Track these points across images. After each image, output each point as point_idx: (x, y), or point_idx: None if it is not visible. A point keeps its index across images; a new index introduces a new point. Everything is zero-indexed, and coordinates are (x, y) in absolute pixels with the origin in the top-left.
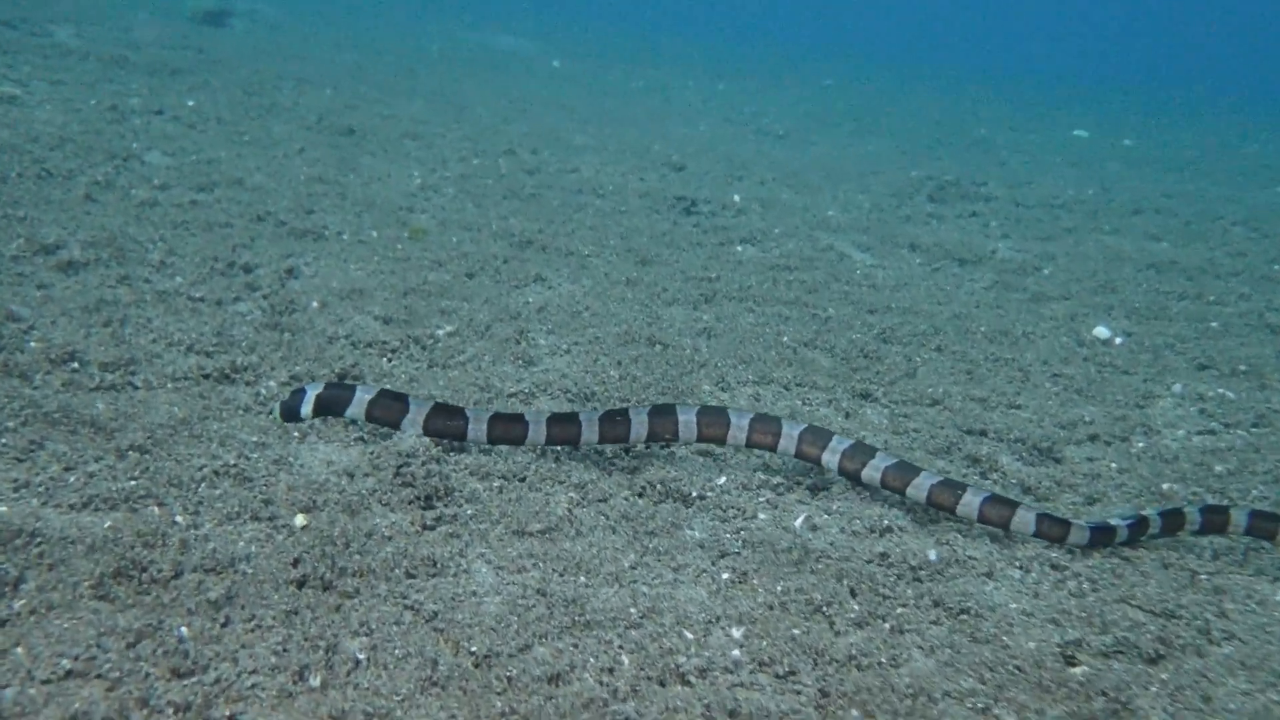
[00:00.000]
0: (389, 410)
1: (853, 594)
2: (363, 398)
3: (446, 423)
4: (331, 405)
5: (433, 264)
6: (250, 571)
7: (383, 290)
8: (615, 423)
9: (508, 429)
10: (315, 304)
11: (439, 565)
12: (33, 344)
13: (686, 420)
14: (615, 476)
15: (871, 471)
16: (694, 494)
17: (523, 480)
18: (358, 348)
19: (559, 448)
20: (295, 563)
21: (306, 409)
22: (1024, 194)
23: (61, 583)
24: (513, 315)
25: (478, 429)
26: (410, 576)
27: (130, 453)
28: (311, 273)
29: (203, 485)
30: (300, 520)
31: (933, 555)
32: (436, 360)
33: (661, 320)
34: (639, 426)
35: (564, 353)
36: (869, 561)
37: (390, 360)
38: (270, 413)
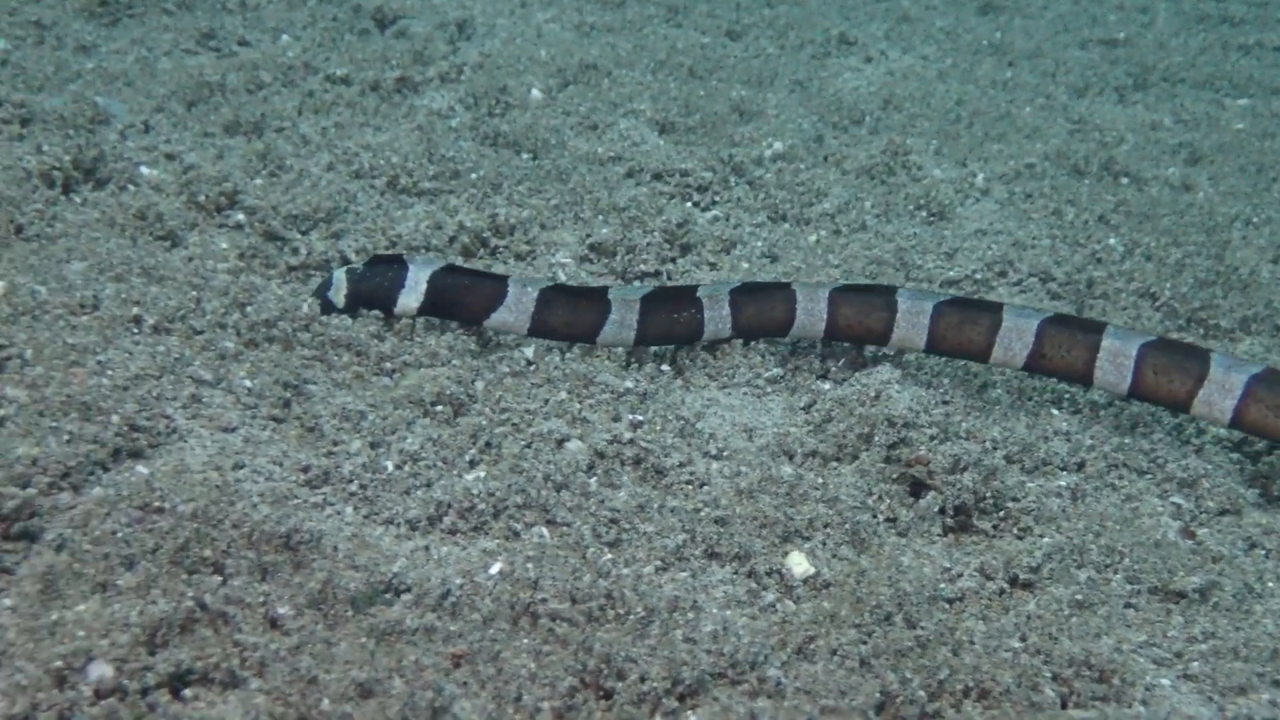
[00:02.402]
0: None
1: None
2: (524, 294)
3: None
4: (451, 299)
5: (665, 11)
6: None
7: (617, 65)
8: None
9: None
10: (536, 92)
11: (1112, 684)
12: (147, 169)
13: None
14: (1212, 455)
15: None
16: None
17: (1080, 468)
18: (642, 181)
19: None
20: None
21: (410, 298)
22: None
23: None
24: (850, 115)
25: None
26: None
27: (439, 407)
28: (485, 26)
29: (594, 481)
30: (799, 565)
31: None
32: (782, 207)
33: (1109, 126)
34: None
35: (981, 193)
36: None
37: (707, 208)
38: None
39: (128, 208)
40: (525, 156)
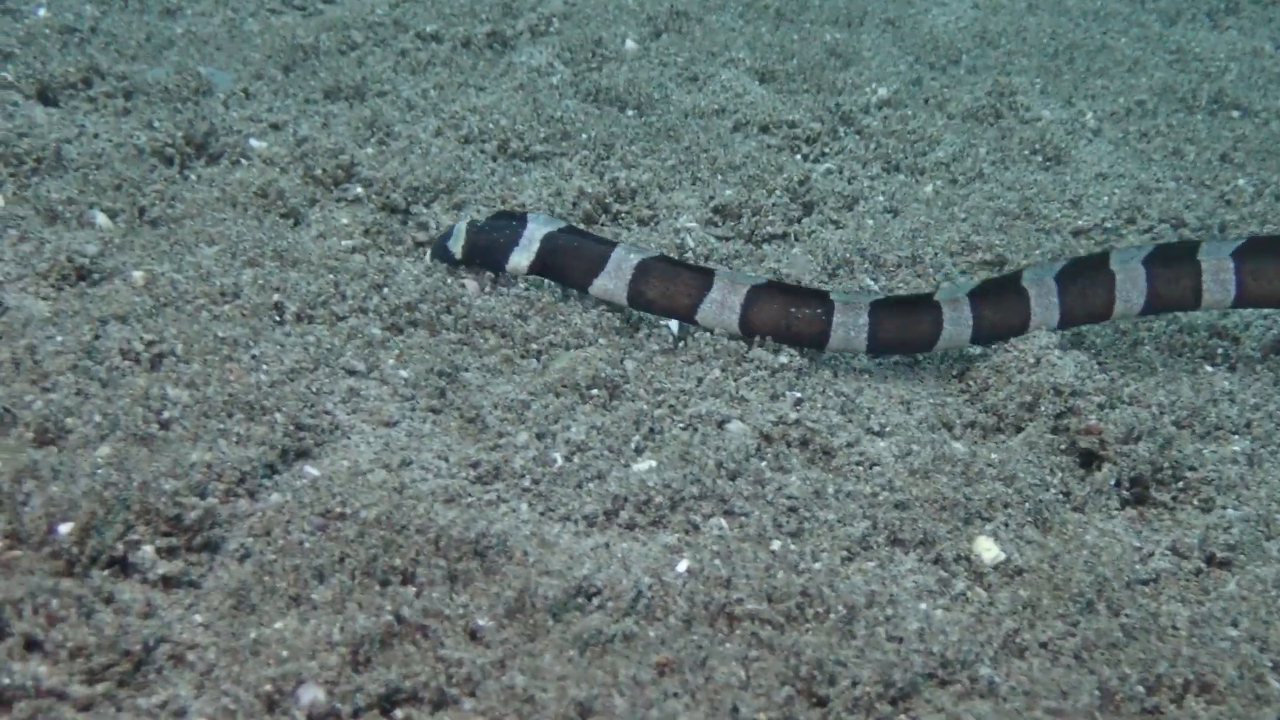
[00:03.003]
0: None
1: None
2: (625, 262)
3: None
4: (559, 262)
5: None
6: None
7: (706, 10)
8: None
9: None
10: (631, 43)
11: None
12: (257, 141)
13: None
14: None
15: None
16: None
17: (1248, 429)
18: (749, 135)
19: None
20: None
21: (522, 257)
22: None
23: None
24: (947, 54)
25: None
26: None
27: (595, 391)
28: None
29: (765, 466)
30: (988, 550)
31: None
32: (894, 157)
33: (1209, 55)
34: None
35: (1093, 133)
36: None
37: (818, 160)
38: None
39: (248, 185)
40: (631, 113)
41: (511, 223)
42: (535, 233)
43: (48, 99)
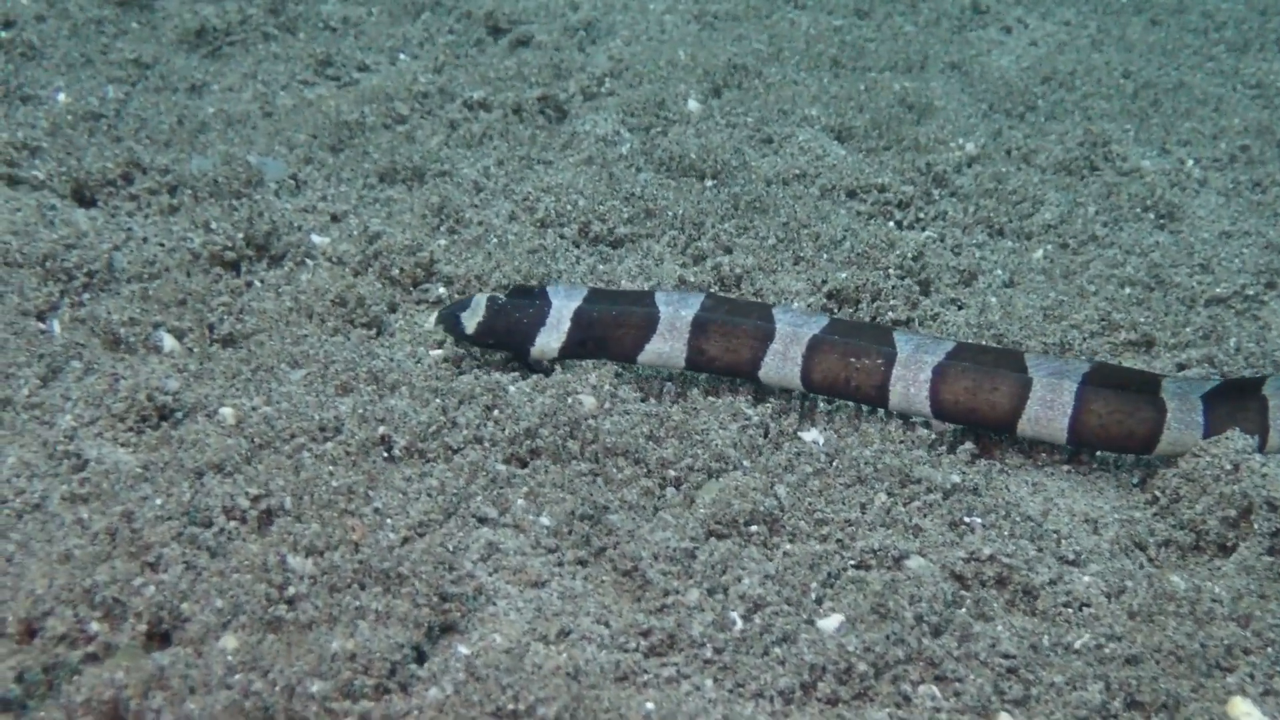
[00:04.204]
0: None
1: None
2: (678, 320)
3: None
4: (599, 335)
5: None
6: None
7: (761, 62)
8: None
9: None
10: (693, 104)
11: None
12: (319, 237)
13: None
14: None
15: None
16: None
17: None
18: (837, 201)
19: None
20: None
21: (551, 338)
22: None
23: None
24: (1023, 100)
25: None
26: None
27: (754, 528)
28: (605, 25)
29: (965, 613)
30: (1246, 714)
31: None
32: (996, 220)
33: (1277, 84)
34: None
35: (1199, 184)
36: None
37: (912, 226)
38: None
39: (324, 292)
40: (710, 183)
41: (534, 301)
42: (563, 309)
43: (84, 198)
